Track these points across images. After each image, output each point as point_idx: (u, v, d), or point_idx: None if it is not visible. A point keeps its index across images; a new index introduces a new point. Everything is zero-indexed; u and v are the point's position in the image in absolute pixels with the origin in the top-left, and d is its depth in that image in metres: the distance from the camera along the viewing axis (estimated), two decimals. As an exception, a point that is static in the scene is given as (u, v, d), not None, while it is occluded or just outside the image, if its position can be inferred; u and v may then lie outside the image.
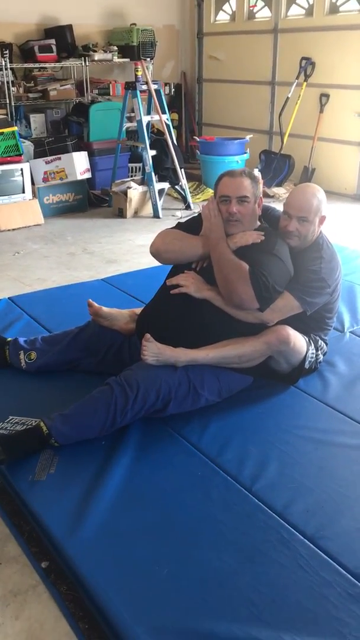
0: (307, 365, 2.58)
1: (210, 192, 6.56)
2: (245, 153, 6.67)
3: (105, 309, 2.69)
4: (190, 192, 6.32)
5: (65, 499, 1.91)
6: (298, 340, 2.47)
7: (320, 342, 2.66)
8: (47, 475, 2.02)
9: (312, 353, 2.59)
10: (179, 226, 2.67)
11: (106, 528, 1.81)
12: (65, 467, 2.06)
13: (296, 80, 6.72)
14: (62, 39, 6.65)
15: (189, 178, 6.51)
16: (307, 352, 2.54)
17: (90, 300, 2.69)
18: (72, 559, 1.70)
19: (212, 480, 2.01)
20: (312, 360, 2.61)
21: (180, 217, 5.77)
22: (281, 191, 6.52)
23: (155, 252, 2.59)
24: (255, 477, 2.02)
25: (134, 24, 7.01)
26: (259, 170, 6.66)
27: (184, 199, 6.14)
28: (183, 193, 6.12)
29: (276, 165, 6.89)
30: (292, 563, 1.70)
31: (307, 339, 2.55)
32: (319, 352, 2.65)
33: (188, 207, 6.07)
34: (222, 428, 2.28)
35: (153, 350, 2.30)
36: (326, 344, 2.71)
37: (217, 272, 2.38)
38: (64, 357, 2.68)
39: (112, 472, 2.02)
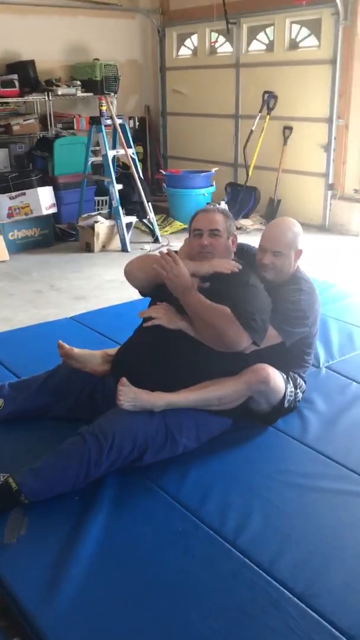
0: (286, 405, 2.52)
1: (177, 224, 6.55)
2: (212, 185, 6.70)
3: (76, 350, 2.59)
4: (158, 225, 6.30)
5: (37, 565, 1.78)
6: (278, 379, 2.42)
7: (299, 380, 2.61)
8: (17, 537, 1.88)
9: (291, 392, 2.53)
10: None
11: (82, 596, 1.68)
12: (37, 527, 1.93)
13: (259, 114, 6.81)
14: (24, 74, 6.62)
15: (156, 211, 6.49)
16: (286, 391, 2.48)
17: (60, 341, 2.59)
18: (45, 633, 1.57)
19: (193, 536, 1.90)
20: (292, 399, 2.55)
21: (149, 251, 5.73)
22: (248, 223, 6.56)
23: (127, 270, 2.57)
24: (238, 530, 1.92)
25: (97, 59, 7.04)
26: (225, 203, 6.69)
27: (152, 232, 6.11)
28: (151, 226, 6.10)
29: (242, 198, 6.93)
30: (283, 626, 1.60)
31: (285, 377, 2.50)
32: (298, 390, 2.60)
33: (156, 240, 6.04)
34: (201, 476, 2.18)
35: (129, 395, 2.20)
36: (305, 381, 2.66)
37: (198, 320, 2.30)
38: (33, 403, 2.55)
39: (86, 532, 1.89)
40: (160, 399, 2.23)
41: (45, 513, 1.99)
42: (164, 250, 2.42)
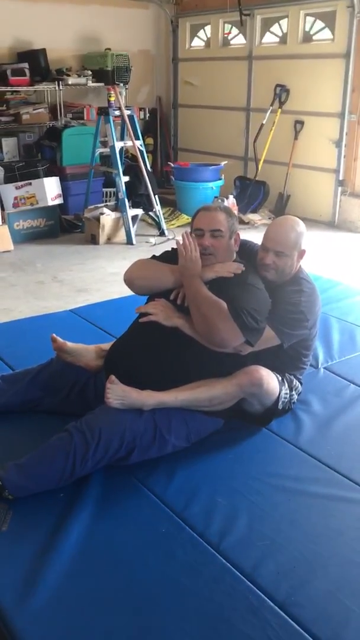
0: (280, 406, 2.47)
1: (184, 217, 6.50)
2: (220, 179, 6.63)
3: (69, 344, 2.56)
4: (165, 218, 6.25)
5: (15, 562, 1.75)
6: (272, 381, 2.37)
7: (295, 382, 2.56)
8: (-2, 533, 1.86)
9: (286, 393, 2.49)
10: (154, 258, 2.59)
11: (60, 596, 1.65)
12: (19, 524, 1.90)
13: (271, 107, 6.73)
14: (35, 62, 6.57)
15: (164, 203, 6.44)
16: (280, 393, 2.43)
17: (54, 335, 2.56)
18: (19, 632, 1.55)
19: (176, 538, 1.87)
20: (286, 400, 2.50)
21: (155, 244, 5.69)
22: (256, 217, 6.48)
23: (128, 279, 2.51)
24: (223, 534, 1.88)
25: (109, 49, 6.97)
26: (234, 197, 6.62)
27: (158, 226, 6.06)
28: (157, 219, 6.04)
29: (251, 192, 6.86)
30: (261, 635, 1.56)
31: (280, 378, 2.45)
32: (294, 392, 2.55)
33: (162, 233, 5.98)
34: (189, 477, 2.14)
35: (117, 393, 2.17)
36: (301, 383, 2.61)
37: (194, 310, 2.28)
38: (24, 397, 2.52)
39: (69, 530, 1.86)
40: (149, 398, 2.19)
41: (29, 509, 1.97)
42: (184, 234, 2.38)
